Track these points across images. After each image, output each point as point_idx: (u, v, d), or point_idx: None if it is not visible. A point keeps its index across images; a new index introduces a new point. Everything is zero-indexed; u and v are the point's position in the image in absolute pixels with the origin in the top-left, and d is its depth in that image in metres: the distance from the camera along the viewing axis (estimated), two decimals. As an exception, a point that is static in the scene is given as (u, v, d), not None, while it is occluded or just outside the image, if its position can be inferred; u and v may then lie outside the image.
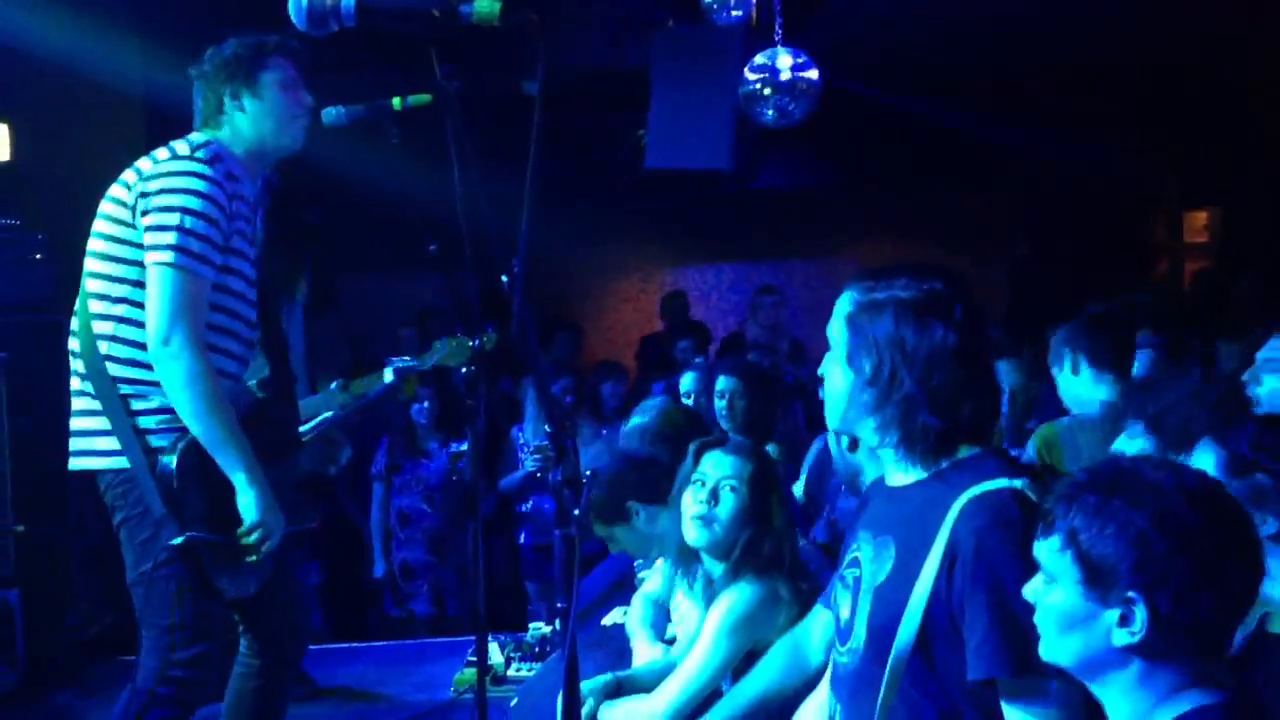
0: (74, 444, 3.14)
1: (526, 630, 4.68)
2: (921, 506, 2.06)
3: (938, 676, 2.01)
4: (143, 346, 3.02)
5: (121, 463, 3.03)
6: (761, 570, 2.91)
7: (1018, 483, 1.99)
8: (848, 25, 6.99)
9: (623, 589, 4.32)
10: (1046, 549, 1.77)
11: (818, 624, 2.50)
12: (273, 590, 3.15)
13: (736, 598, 2.90)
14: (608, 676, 3.07)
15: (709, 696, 2.85)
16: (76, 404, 3.13)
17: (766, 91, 5.51)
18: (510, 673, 4.33)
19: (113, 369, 3.04)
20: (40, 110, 5.62)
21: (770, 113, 5.54)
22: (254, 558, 3.05)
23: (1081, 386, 4.01)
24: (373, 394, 3.99)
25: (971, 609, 1.95)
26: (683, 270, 11.02)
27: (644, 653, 3.36)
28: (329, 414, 3.83)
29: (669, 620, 3.50)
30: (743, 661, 2.86)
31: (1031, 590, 1.80)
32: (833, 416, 2.20)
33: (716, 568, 3.00)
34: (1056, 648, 1.78)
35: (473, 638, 2.58)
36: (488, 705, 2.47)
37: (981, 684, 1.96)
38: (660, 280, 10.93)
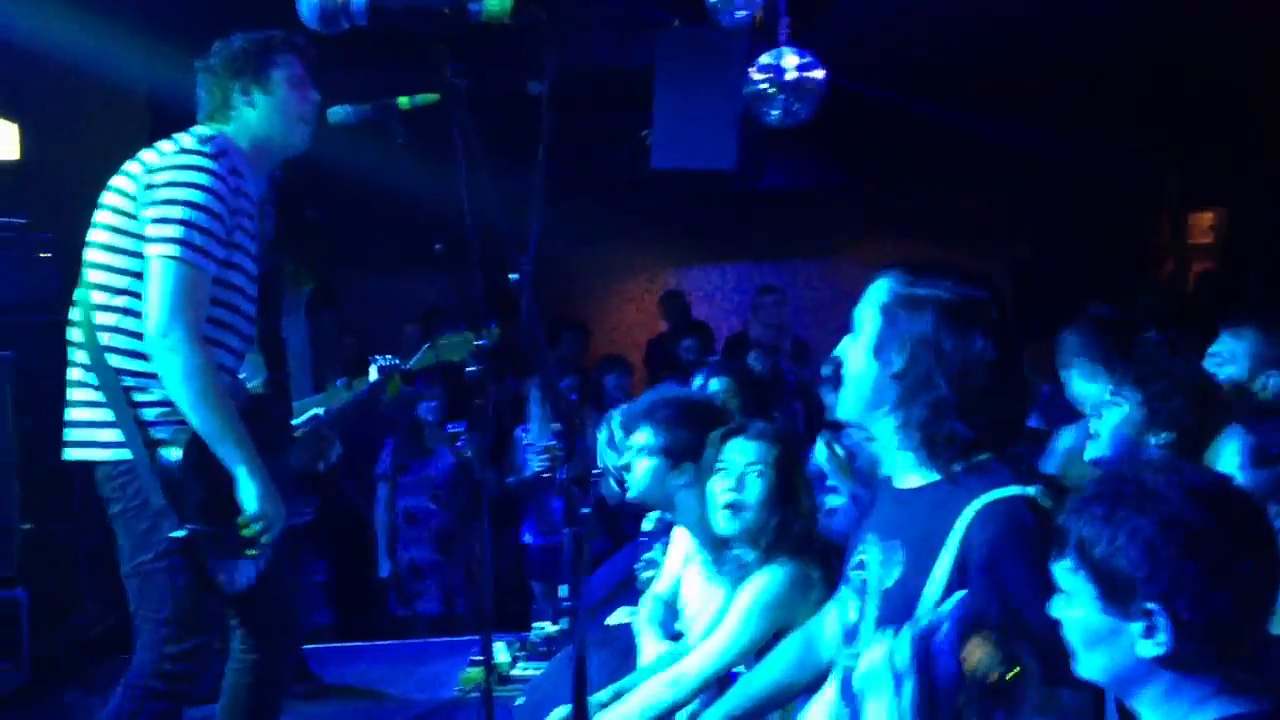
0: (72, 434, 3.12)
1: (531, 630, 4.69)
2: (932, 511, 2.02)
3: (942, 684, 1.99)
4: (144, 338, 3.01)
5: (121, 455, 3.02)
6: (794, 553, 2.92)
7: (1030, 490, 1.96)
8: (853, 26, 6.99)
9: (627, 589, 4.33)
10: (1061, 570, 1.76)
11: (830, 619, 2.49)
12: (267, 584, 3.14)
13: (769, 579, 2.90)
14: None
15: (718, 685, 2.85)
16: (76, 394, 3.11)
17: (771, 92, 5.50)
18: (515, 672, 4.33)
19: (114, 360, 3.02)
20: (47, 110, 5.62)
21: (775, 113, 5.53)
22: (253, 550, 3.05)
23: (1093, 389, 4.02)
24: (356, 393, 4.01)
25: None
26: (686, 270, 11.03)
27: (652, 651, 3.36)
28: (318, 410, 3.85)
29: (676, 619, 3.50)
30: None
31: (1056, 608, 1.79)
32: (850, 405, 2.15)
33: (749, 554, 3.00)
34: (1086, 664, 1.77)
35: (477, 637, 2.59)
36: (494, 705, 2.48)
37: None
38: (664, 281, 10.94)
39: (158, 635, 3.04)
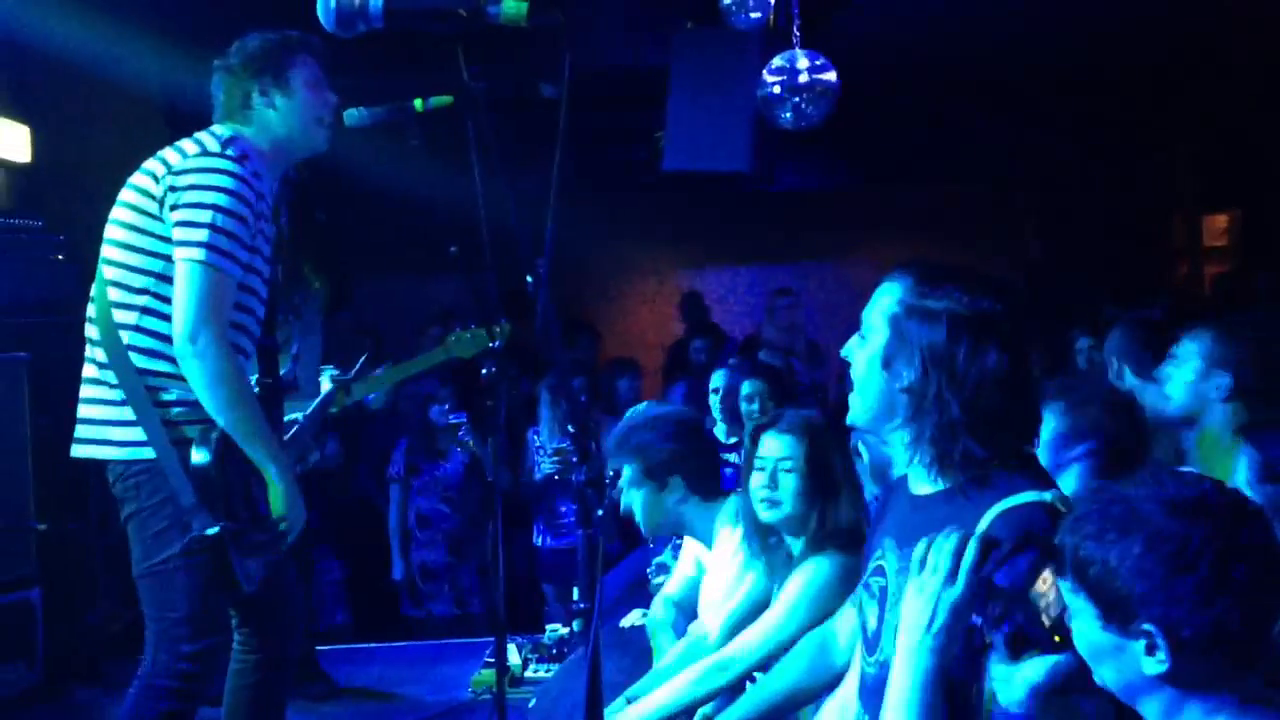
0: (84, 431, 3.10)
1: (544, 632, 4.69)
2: (948, 519, 1.97)
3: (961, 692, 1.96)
4: (165, 338, 3.00)
5: (137, 454, 3.01)
6: (843, 546, 2.94)
7: (1047, 495, 1.93)
8: (865, 27, 6.98)
9: (639, 591, 4.33)
10: (1064, 588, 1.74)
11: (844, 623, 2.47)
12: (273, 585, 3.13)
13: (816, 569, 2.94)
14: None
15: (732, 691, 2.85)
16: (91, 392, 3.09)
17: (784, 94, 5.50)
18: (528, 674, 4.33)
19: (136, 359, 3.02)
20: (61, 112, 5.65)
21: (788, 115, 5.53)
22: (274, 550, 3.06)
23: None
24: (312, 405, 4.04)
25: None
26: (699, 272, 11.01)
27: (669, 652, 3.37)
28: (297, 415, 3.88)
29: (689, 621, 3.50)
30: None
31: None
32: (859, 414, 2.09)
33: (796, 544, 3.05)
34: (1099, 675, 1.75)
35: (490, 639, 2.59)
36: (506, 707, 2.48)
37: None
38: (677, 282, 10.94)
39: (174, 634, 3.03)
